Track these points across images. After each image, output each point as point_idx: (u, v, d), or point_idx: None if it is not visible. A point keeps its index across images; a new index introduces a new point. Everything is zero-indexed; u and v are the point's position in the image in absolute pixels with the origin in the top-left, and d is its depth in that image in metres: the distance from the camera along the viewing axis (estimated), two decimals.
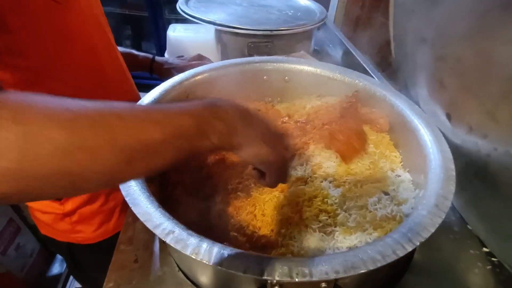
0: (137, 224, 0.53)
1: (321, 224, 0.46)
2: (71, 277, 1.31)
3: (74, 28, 0.46)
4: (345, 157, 0.54)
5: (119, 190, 0.63)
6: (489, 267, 0.49)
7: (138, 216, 0.34)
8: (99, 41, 0.52)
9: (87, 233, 0.62)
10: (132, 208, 0.35)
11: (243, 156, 0.31)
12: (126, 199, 0.36)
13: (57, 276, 1.28)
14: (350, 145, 0.54)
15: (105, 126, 0.22)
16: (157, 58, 0.78)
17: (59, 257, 1.34)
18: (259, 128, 0.31)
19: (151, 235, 0.52)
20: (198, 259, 0.30)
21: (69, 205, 0.58)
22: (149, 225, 0.33)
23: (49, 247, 1.31)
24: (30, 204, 0.60)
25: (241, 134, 0.29)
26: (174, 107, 0.27)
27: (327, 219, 0.46)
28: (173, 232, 0.33)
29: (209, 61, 0.79)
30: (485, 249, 0.51)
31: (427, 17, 0.43)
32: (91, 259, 0.67)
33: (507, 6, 0.29)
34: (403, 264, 0.49)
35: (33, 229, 1.22)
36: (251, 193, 0.53)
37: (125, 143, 0.22)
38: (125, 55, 0.66)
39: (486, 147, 0.39)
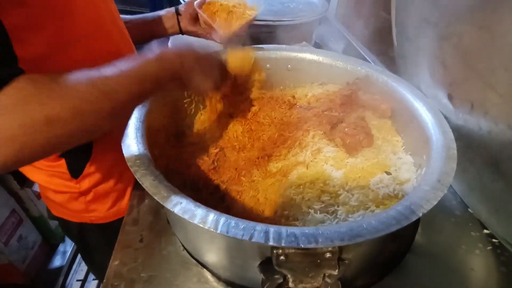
0: (141, 206, 0.54)
1: (323, 205, 0.47)
2: (72, 271, 1.32)
3: (82, 4, 0.47)
4: (351, 150, 0.55)
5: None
6: (489, 248, 0.50)
7: (147, 189, 0.35)
8: (106, 14, 0.53)
9: (101, 212, 0.63)
10: (141, 182, 0.36)
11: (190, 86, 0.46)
12: (135, 175, 0.37)
13: (58, 269, 1.28)
14: (357, 141, 0.54)
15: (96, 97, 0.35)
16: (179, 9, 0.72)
17: (60, 250, 1.35)
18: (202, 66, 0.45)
19: (155, 216, 0.52)
20: (206, 227, 0.31)
21: (85, 184, 0.59)
22: (157, 198, 0.34)
23: (51, 240, 1.32)
24: (45, 184, 0.60)
25: (185, 74, 0.43)
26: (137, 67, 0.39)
27: (329, 199, 0.47)
28: (181, 203, 0.33)
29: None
30: (486, 231, 0.52)
31: None
32: (101, 241, 0.67)
33: None
34: (405, 245, 0.49)
35: (35, 221, 1.23)
36: (254, 178, 0.54)
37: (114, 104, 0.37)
38: (143, 23, 0.68)
39: (487, 124, 0.40)
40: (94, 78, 0.36)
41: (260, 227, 0.31)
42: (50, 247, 1.32)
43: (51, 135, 0.33)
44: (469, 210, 0.55)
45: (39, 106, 0.32)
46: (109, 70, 0.37)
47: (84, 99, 0.34)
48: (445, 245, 0.50)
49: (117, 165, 0.61)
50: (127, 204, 0.63)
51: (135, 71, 0.38)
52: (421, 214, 0.33)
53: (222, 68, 0.52)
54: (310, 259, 0.33)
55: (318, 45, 1.11)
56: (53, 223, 1.29)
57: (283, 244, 0.30)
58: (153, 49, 0.42)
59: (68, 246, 1.36)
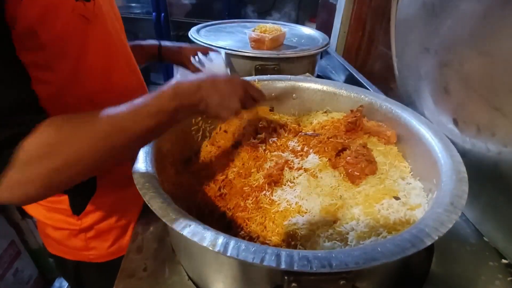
0: (146, 234, 0.53)
1: (331, 231, 0.45)
2: None
3: (97, 44, 0.48)
4: (354, 178, 0.54)
5: (133, 206, 0.62)
6: (510, 278, 0.47)
7: (155, 211, 0.35)
8: (121, 57, 0.55)
9: (100, 250, 0.61)
10: (149, 205, 0.35)
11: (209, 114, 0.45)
12: (144, 198, 0.37)
13: None
14: (359, 169, 0.54)
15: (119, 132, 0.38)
16: (163, 43, 0.81)
17: (56, 285, 1.29)
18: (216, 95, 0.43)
19: (160, 244, 0.51)
20: (215, 250, 0.30)
21: (87, 221, 0.57)
22: (166, 220, 0.33)
23: (47, 274, 1.27)
24: (44, 220, 0.59)
25: (203, 104, 0.42)
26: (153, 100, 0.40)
27: (338, 226, 0.46)
28: (190, 225, 0.33)
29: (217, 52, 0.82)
30: (504, 261, 0.49)
31: (429, 27, 0.46)
32: (99, 281, 0.64)
33: (504, 4, 0.31)
34: (421, 275, 0.47)
35: (33, 253, 1.19)
36: (260, 204, 0.53)
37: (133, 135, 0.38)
38: (132, 48, 0.69)
39: (496, 146, 0.40)
40: (112, 116, 0.38)
41: (271, 250, 0.30)
42: (45, 282, 1.26)
43: (70, 176, 0.36)
44: (484, 238, 0.53)
45: (60, 153, 0.35)
46: (125, 108, 0.38)
47: (102, 138, 0.36)
48: (463, 275, 0.48)
49: (120, 202, 0.60)
50: (128, 242, 0.62)
51: (151, 107, 0.39)
52: (437, 237, 0.32)
53: (247, 93, 0.48)
54: (324, 285, 0.31)
55: (320, 77, 1.15)
56: None
57: (295, 268, 0.28)
58: (170, 82, 0.42)
59: (64, 282, 1.30)
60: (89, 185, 0.56)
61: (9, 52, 0.36)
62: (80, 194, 0.56)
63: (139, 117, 0.38)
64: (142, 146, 0.45)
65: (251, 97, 0.49)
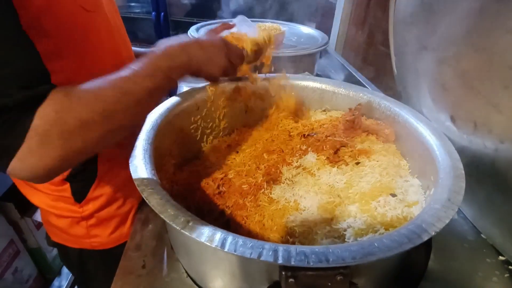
0: (145, 231, 0.53)
1: (329, 229, 0.46)
2: None
3: (101, 33, 0.50)
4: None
5: (135, 194, 0.63)
6: (507, 275, 0.47)
7: (153, 208, 0.35)
8: (123, 48, 0.56)
9: (102, 237, 0.61)
10: (147, 201, 0.35)
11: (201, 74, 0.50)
12: (142, 194, 0.37)
13: None
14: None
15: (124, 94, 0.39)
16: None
17: (55, 284, 1.29)
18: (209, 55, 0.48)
19: (159, 241, 0.51)
20: (213, 246, 0.30)
21: (89, 208, 0.58)
22: (164, 216, 0.34)
23: (46, 274, 1.27)
24: (48, 208, 0.59)
25: (193, 63, 0.47)
26: (154, 62, 0.42)
27: (335, 224, 0.46)
28: (188, 221, 0.33)
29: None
30: (501, 258, 0.50)
31: (427, 25, 0.46)
32: (101, 268, 0.65)
33: None
34: (418, 272, 0.47)
35: (33, 253, 1.19)
36: (259, 202, 0.53)
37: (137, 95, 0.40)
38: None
39: (492, 142, 0.40)
40: (113, 81, 0.39)
41: (268, 245, 0.30)
42: (45, 281, 1.26)
43: (87, 138, 0.36)
44: (482, 235, 0.53)
45: (73, 113, 0.35)
46: (124, 72, 0.40)
47: (109, 101, 0.37)
48: (461, 272, 0.48)
49: (121, 189, 0.60)
50: (128, 230, 0.62)
51: (146, 68, 0.41)
52: (433, 233, 0.32)
53: (230, 51, 0.53)
54: (321, 281, 0.31)
55: (319, 76, 1.15)
56: (50, 256, 1.26)
57: (292, 263, 0.29)
58: (159, 45, 0.45)
59: (63, 281, 1.30)
60: (89, 172, 0.57)
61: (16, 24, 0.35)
62: (81, 181, 0.57)
63: (138, 79, 0.40)
64: (145, 112, 0.46)
65: (235, 55, 0.54)
